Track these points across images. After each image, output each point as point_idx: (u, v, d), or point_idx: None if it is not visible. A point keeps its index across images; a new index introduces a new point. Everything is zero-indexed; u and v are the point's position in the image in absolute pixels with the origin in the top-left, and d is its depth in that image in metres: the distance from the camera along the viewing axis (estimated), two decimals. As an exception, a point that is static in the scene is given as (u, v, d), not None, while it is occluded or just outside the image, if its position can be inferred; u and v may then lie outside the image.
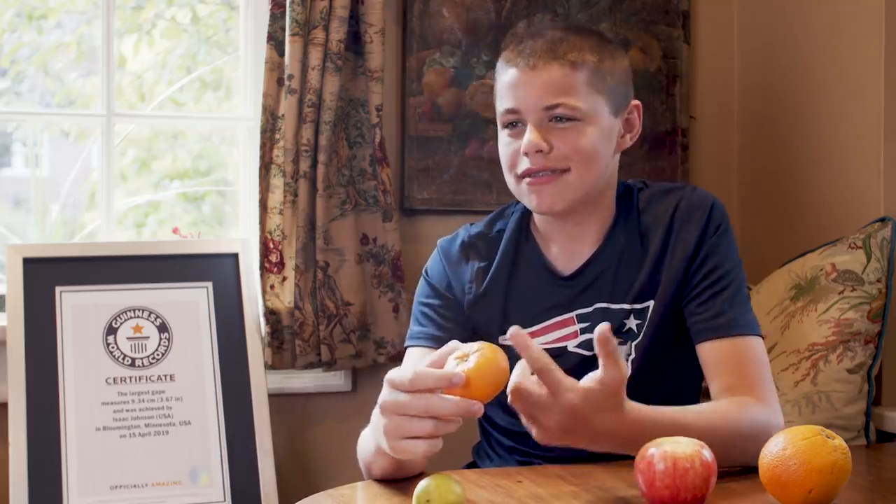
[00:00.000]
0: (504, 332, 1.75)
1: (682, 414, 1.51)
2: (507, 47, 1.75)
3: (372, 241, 2.43)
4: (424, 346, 1.75)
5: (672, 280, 1.69)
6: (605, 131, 1.69)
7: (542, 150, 1.65)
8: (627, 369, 1.69)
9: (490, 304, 1.77)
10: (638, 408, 1.44)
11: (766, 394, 1.61)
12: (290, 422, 2.49)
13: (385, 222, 2.42)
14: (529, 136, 1.65)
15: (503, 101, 1.70)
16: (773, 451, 1.33)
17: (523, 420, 1.41)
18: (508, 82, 1.68)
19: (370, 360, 2.42)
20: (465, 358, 1.33)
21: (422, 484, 1.28)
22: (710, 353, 1.64)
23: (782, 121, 2.62)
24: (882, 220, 2.19)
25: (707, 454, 1.31)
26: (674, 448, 1.29)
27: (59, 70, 3.04)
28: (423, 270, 1.84)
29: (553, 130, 1.66)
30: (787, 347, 2.13)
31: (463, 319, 1.77)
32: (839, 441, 1.33)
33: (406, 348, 1.79)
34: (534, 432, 1.40)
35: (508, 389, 1.36)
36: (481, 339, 1.76)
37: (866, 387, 2.09)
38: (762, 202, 2.69)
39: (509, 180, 1.72)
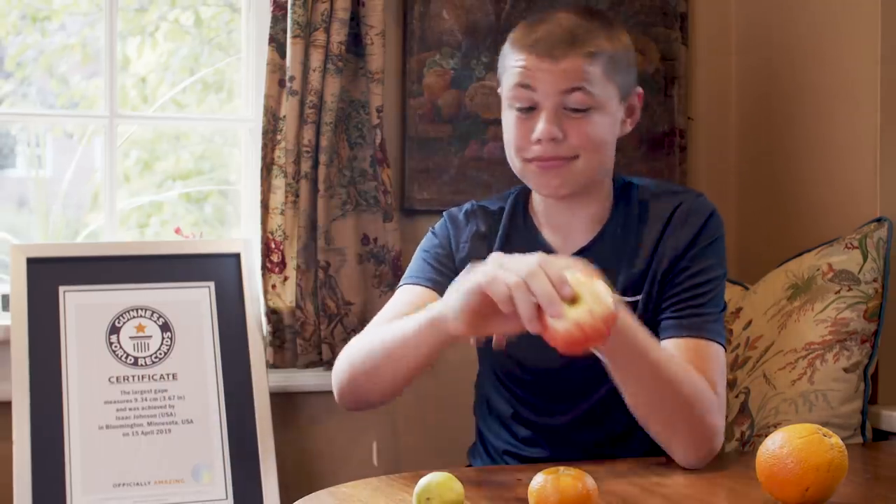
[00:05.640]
0: None
1: (657, 347, 1.57)
2: (515, 31, 1.74)
3: (372, 241, 2.45)
4: (420, 286, 1.78)
5: (658, 278, 1.71)
6: (614, 118, 1.72)
7: (555, 139, 1.67)
8: None
9: None
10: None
11: (717, 393, 1.62)
12: (291, 420, 2.50)
13: (385, 222, 2.43)
14: (544, 124, 1.66)
15: (516, 78, 1.69)
16: (771, 450, 1.34)
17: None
18: (524, 65, 1.67)
19: (371, 359, 2.43)
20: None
21: (422, 482, 1.29)
22: (674, 348, 1.65)
23: (779, 121, 2.63)
24: (878, 220, 2.20)
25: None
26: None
27: (63, 72, 3.06)
28: (430, 228, 1.89)
29: (566, 119, 1.67)
30: (783, 347, 2.15)
31: (455, 274, 1.79)
32: (836, 439, 1.34)
33: (398, 287, 1.82)
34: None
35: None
36: None
37: (862, 386, 2.10)
38: (759, 202, 2.71)
39: (514, 161, 1.74)
